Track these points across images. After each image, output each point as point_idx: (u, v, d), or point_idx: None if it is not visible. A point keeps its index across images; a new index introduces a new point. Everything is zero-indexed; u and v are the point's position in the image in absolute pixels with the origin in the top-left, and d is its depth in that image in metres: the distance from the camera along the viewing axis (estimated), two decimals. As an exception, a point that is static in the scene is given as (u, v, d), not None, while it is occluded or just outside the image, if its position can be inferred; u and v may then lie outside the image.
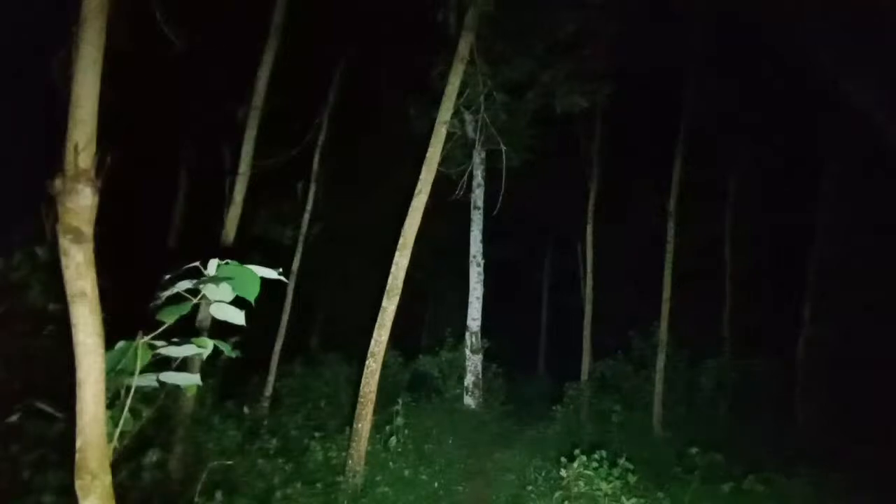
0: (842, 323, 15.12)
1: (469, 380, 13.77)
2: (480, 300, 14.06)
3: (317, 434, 8.67)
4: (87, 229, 2.89)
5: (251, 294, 3.92)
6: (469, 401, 13.66)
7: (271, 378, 10.89)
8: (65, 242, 2.87)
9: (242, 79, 8.55)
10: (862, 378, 13.70)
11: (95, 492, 2.84)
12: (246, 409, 8.61)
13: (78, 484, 2.85)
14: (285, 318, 11.33)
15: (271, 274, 4.08)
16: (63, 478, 3.76)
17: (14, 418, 4.01)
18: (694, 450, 9.04)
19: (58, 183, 2.92)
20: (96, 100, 2.94)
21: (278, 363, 11.20)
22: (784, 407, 15.62)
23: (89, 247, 2.90)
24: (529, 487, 8.42)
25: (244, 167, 8.06)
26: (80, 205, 2.87)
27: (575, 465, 7.16)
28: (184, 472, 6.68)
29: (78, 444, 2.89)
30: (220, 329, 4.21)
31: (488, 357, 14.32)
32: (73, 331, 2.94)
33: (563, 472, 7.24)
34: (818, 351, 16.00)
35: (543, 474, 8.77)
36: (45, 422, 4.07)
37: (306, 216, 11.88)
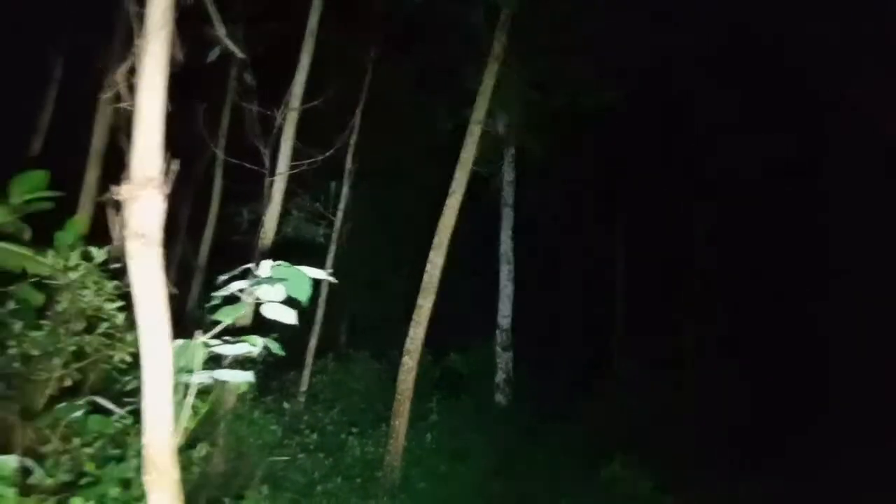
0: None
1: (500, 377, 13.83)
2: (511, 297, 14.11)
3: (353, 430, 8.81)
4: (156, 234, 3.00)
5: (303, 294, 4.03)
6: (500, 398, 13.71)
7: (307, 373, 11.06)
8: (133, 246, 2.99)
9: (279, 80, 8.69)
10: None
11: (163, 487, 2.96)
12: (286, 405, 8.79)
13: (146, 479, 2.97)
14: (320, 314, 11.51)
15: (321, 274, 4.20)
16: (124, 471, 3.92)
17: (79, 414, 4.18)
18: None
19: (125, 189, 3.04)
20: (161, 109, 3.05)
21: (312, 359, 11.38)
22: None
23: (157, 251, 3.01)
24: (563, 483, 8.48)
25: (282, 167, 8.21)
26: (148, 211, 2.99)
27: (615, 465, 7.18)
28: (227, 466, 6.86)
29: (145, 440, 3.01)
30: (256, 326, 4.35)
31: (518, 353, 14.36)
32: (139, 331, 3.05)
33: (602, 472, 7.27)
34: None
35: (576, 472, 8.82)
36: (105, 417, 4.23)
37: (339, 215, 12.04)
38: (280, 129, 8.29)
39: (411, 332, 8.27)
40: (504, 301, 14.04)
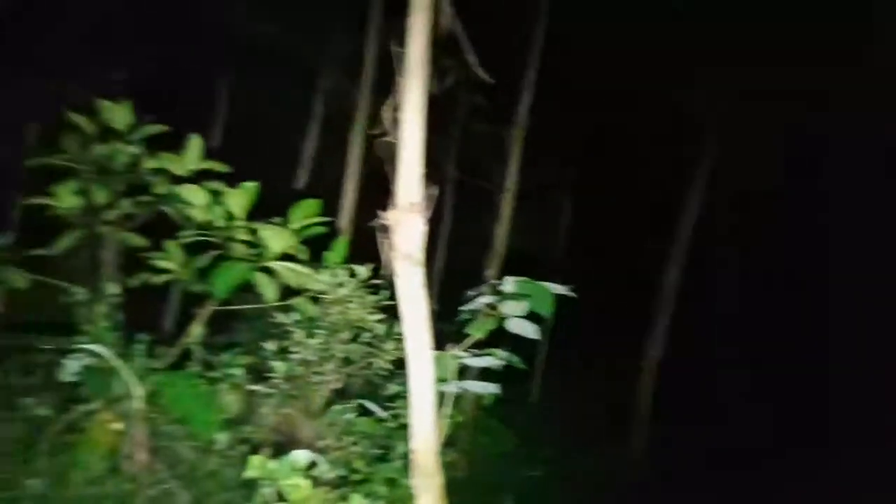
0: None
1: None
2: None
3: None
4: (419, 254, 3.25)
5: (546, 309, 4.10)
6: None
7: (537, 382, 11.20)
8: (400, 266, 3.28)
9: (506, 99, 8.99)
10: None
11: (430, 491, 3.18)
12: (518, 415, 8.98)
13: (414, 483, 3.23)
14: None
15: (563, 290, 4.23)
16: (390, 471, 4.30)
17: (350, 416, 4.71)
18: None
19: (391, 214, 3.35)
20: (422, 141, 3.31)
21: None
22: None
23: (421, 270, 3.26)
24: None
25: (510, 183, 8.46)
26: (412, 233, 3.25)
27: None
28: (465, 472, 7.18)
29: (412, 445, 3.26)
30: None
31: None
32: (406, 344, 3.32)
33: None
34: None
35: None
36: (371, 419, 4.71)
37: (562, 228, 12.08)
38: (508, 147, 8.56)
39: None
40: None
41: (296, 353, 5.13)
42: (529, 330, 4.11)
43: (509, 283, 4.12)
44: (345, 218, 8.28)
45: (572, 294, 4.22)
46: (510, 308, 4.09)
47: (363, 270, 5.23)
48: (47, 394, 4.99)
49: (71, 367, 4.50)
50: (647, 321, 12.25)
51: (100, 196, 5.17)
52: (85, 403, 4.68)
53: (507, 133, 8.83)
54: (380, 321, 5.17)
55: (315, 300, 5.28)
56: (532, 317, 4.14)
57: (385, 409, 4.81)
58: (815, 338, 13.25)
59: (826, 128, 11.89)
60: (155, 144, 5.45)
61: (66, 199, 4.91)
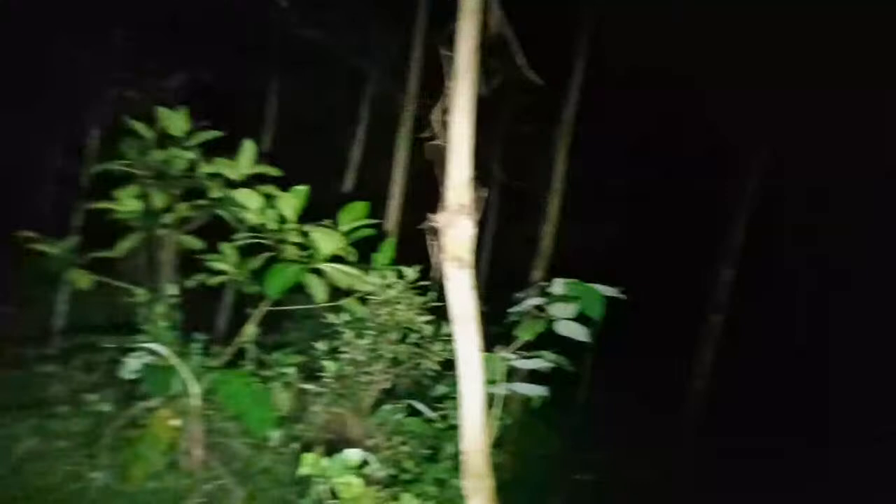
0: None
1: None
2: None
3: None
4: (468, 256, 3.27)
5: (596, 312, 4.06)
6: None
7: (585, 384, 11.10)
8: (450, 268, 3.29)
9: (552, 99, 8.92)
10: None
11: (481, 493, 3.19)
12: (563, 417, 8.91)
13: (465, 484, 3.24)
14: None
15: (613, 292, 4.19)
16: (439, 471, 4.33)
17: (399, 416, 4.76)
18: None
19: (442, 217, 3.37)
20: (471, 144, 3.33)
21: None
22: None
23: (470, 272, 3.27)
24: None
25: (557, 183, 8.40)
26: (462, 236, 3.27)
27: None
28: (514, 475, 7.15)
29: (463, 447, 3.28)
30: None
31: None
32: (456, 346, 3.33)
33: None
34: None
35: None
36: (420, 419, 4.75)
37: (610, 229, 11.93)
38: (554, 148, 8.51)
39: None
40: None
41: (345, 352, 5.21)
42: (579, 332, 4.08)
43: (558, 285, 4.10)
44: (391, 220, 8.36)
45: (622, 296, 4.17)
46: (559, 310, 4.08)
47: (411, 272, 5.27)
48: (109, 390, 5.21)
49: (132, 365, 4.68)
50: (698, 323, 12.00)
51: (158, 200, 5.35)
52: (145, 400, 4.86)
53: (554, 133, 8.77)
54: (427, 322, 5.21)
55: (363, 301, 5.36)
56: (581, 319, 4.11)
57: (433, 409, 4.84)
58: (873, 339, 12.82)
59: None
60: (209, 149, 5.61)
61: (127, 203, 5.11)
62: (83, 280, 5.28)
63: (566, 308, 4.09)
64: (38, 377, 5.68)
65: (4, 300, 8.37)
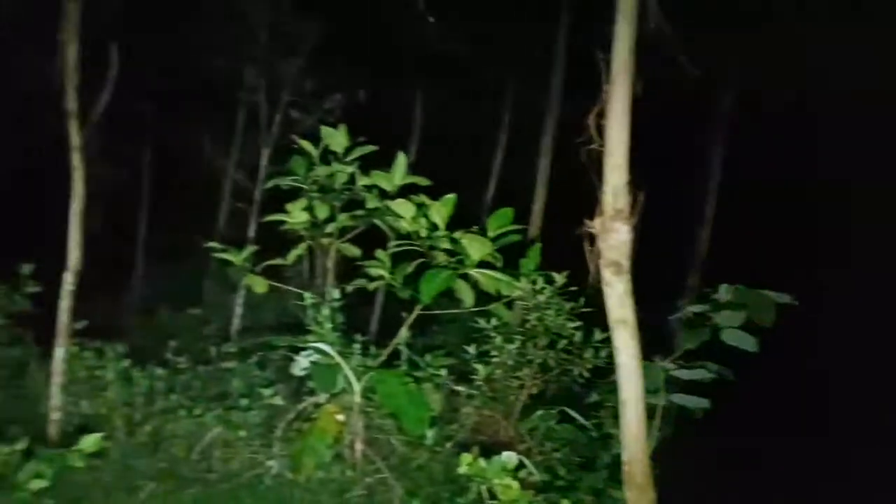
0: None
1: None
2: None
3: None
4: (625, 262, 3.20)
5: (767, 320, 3.81)
6: None
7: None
8: (607, 275, 3.25)
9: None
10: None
11: None
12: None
13: (627, 496, 3.16)
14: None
15: (785, 299, 3.90)
16: (596, 481, 4.26)
17: (551, 423, 4.76)
18: None
19: (598, 223, 3.33)
20: (627, 148, 3.26)
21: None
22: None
23: (627, 278, 3.21)
24: None
25: (713, 184, 7.96)
26: (619, 241, 3.21)
27: None
28: (675, 488, 6.83)
29: (624, 457, 3.20)
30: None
31: None
32: (616, 353, 3.26)
33: None
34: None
35: None
36: (573, 427, 4.72)
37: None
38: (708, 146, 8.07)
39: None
40: None
41: (495, 356, 5.29)
42: (747, 342, 3.84)
43: (725, 291, 3.89)
44: (534, 225, 8.36)
45: (794, 302, 3.87)
46: (726, 318, 3.86)
47: (560, 277, 5.25)
48: (282, 385, 5.69)
49: (301, 363, 5.09)
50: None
51: (321, 212, 5.77)
52: (312, 395, 5.26)
53: (705, 129, 8.33)
54: (577, 328, 5.16)
55: (509, 306, 5.41)
56: (747, 327, 3.87)
57: (585, 417, 4.78)
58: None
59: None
60: (363, 162, 5.94)
61: (297, 215, 5.56)
62: (260, 285, 5.80)
63: (734, 316, 3.86)
64: (220, 372, 6.34)
65: (195, 303, 9.47)
